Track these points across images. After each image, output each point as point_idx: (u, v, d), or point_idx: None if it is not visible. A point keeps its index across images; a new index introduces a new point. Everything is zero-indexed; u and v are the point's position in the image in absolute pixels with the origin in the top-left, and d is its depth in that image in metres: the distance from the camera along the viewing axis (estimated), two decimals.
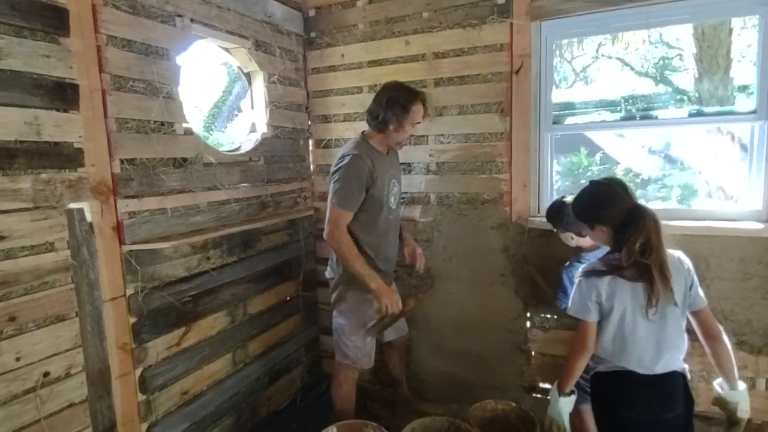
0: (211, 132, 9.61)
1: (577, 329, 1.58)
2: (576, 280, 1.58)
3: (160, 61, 1.84)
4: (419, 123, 2.02)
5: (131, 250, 1.74)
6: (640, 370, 1.51)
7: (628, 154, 7.65)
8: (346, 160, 1.93)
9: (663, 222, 1.97)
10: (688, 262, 1.57)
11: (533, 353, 2.35)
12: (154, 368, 1.85)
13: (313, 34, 2.69)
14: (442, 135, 2.43)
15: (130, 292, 1.75)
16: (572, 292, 1.59)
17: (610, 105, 9.08)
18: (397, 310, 1.94)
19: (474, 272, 2.44)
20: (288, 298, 2.63)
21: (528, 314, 2.34)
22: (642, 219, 1.44)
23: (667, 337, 1.50)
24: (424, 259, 2.20)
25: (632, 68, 9.84)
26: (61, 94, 1.51)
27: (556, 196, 2.36)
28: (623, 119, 4.00)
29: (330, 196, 1.96)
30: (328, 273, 2.19)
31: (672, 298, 1.47)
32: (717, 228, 1.94)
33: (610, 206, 1.51)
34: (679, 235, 1.96)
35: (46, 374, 1.49)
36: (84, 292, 1.59)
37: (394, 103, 1.92)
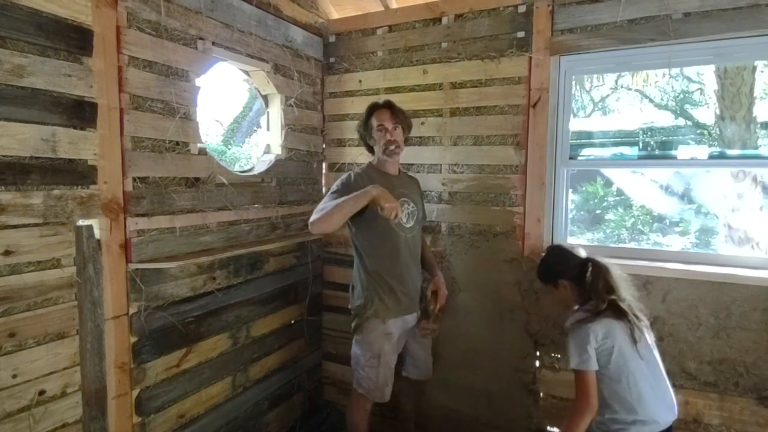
0: (229, 147, 9.75)
1: (577, 385, 1.51)
2: (569, 335, 1.57)
3: (179, 83, 1.86)
4: (384, 125, 2.01)
5: (137, 269, 1.73)
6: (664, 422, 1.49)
7: (644, 191, 7.54)
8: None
9: (682, 266, 1.95)
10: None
11: (542, 394, 2.27)
12: (151, 389, 1.82)
13: (332, 60, 2.72)
14: (456, 164, 2.41)
15: (133, 311, 1.73)
16: (569, 347, 1.55)
17: (628, 136, 8.97)
18: (395, 215, 1.80)
19: (483, 306, 2.37)
20: (292, 322, 2.59)
21: (537, 353, 2.27)
22: (594, 266, 1.63)
23: (662, 377, 1.56)
24: (444, 302, 2.09)
25: (651, 100, 9.76)
26: (80, 112, 1.53)
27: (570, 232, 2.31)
28: (641, 157, 3.94)
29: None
30: (350, 303, 2.15)
31: (646, 339, 1.57)
32: (739, 276, 1.86)
33: (564, 261, 1.73)
34: (699, 281, 1.90)
35: (41, 392, 1.47)
36: (86, 310, 1.58)
37: (361, 123, 2.14)
